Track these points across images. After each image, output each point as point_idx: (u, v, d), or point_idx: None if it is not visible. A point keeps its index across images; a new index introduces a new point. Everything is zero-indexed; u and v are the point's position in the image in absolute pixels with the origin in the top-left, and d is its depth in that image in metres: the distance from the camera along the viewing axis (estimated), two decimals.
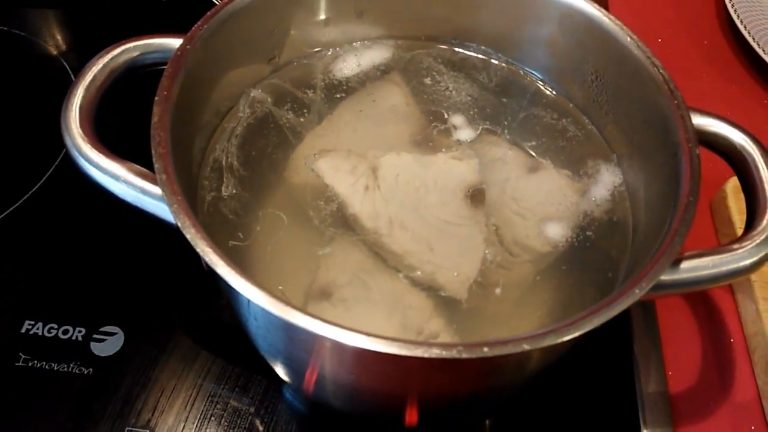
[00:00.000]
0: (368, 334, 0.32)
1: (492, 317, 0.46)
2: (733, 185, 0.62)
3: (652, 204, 0.46)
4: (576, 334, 0.31)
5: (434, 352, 0.31)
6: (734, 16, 0.78)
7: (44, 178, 0.62)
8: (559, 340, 0.31)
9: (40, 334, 0.53)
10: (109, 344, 0.52)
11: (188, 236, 0.34)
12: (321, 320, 0.32)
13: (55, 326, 0.53)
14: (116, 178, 0.40)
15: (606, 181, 0.51)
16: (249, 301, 0.34)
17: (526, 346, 0.31)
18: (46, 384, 0.50)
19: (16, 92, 0.71)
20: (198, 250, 0.34)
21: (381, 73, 0.57)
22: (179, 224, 0.35)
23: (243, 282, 0.33)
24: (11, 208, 0.60)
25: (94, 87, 0.45)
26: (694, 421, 0.52)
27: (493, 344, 0.31)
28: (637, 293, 0.34)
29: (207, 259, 0.34)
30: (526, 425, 0.52)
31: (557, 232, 0.48)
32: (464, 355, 0.31)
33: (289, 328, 0.36)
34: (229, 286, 0.34)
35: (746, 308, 0.57)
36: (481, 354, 0.31)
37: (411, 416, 0.47)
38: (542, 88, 0.57)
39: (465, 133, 0.53)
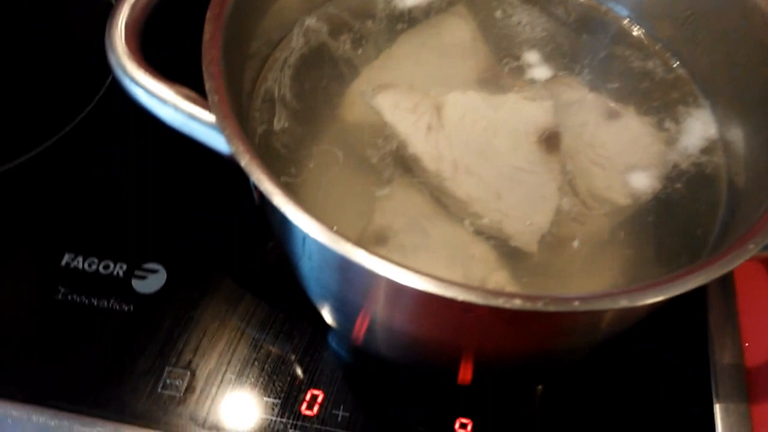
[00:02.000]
0: (444, 280, 0.28)
1: (559, 273, 0.42)
2: None
3: (754, 158, 0.41)
4: (689, 288, 0.27)
5: (516, 304, 0.27)
6: None
7: (90, 106, 0.60)
8: (666, 296, 0.27)
9: (80, 268, 0.51)
10: (150, 281, 0.50)
11: (242, 163, 0.31)
12: (389, 260, 0.29)
13: (96, 260, 0.51)
14: (163, 101, 0.37)
15: (696, 130, 0.46)
16: (305, 237, 0.31)
17: (624, 302, 0.27)
18: (86, 319, 0.48)
19: (64, 17, 0.68)
20: (253, 178, 0.31)
21: (447, 4, 0.52)
22: (233, 150, 0.31)
23: (301, 215, 0.30)
24: (57, 137, 0.58)
25: (140, 4, 0.41)
26: None
27: (586, 298, 0.27)
28: (752, 248, 0.29)
29: (262, 189, 0.30)
30: (581, 394, 0.48)
31: (640, 183, 0.43)
32: (551, 308, 0.27)
33: (348, 268, 0.33)
34: (285, 221, 0.31)
35: None
36: (571, 308, 0.27)
37: (465, 373, 0.44)
38: (627, 25, 0.51)
39: (539, 72, 0.48)
